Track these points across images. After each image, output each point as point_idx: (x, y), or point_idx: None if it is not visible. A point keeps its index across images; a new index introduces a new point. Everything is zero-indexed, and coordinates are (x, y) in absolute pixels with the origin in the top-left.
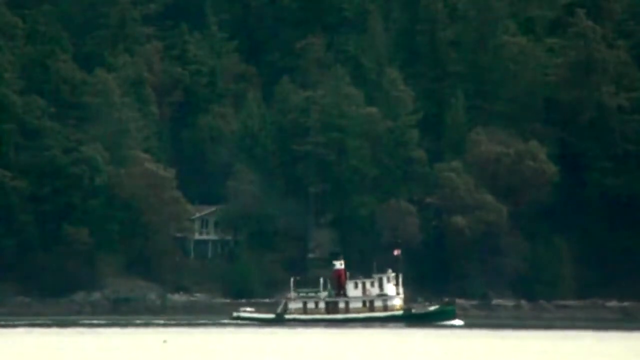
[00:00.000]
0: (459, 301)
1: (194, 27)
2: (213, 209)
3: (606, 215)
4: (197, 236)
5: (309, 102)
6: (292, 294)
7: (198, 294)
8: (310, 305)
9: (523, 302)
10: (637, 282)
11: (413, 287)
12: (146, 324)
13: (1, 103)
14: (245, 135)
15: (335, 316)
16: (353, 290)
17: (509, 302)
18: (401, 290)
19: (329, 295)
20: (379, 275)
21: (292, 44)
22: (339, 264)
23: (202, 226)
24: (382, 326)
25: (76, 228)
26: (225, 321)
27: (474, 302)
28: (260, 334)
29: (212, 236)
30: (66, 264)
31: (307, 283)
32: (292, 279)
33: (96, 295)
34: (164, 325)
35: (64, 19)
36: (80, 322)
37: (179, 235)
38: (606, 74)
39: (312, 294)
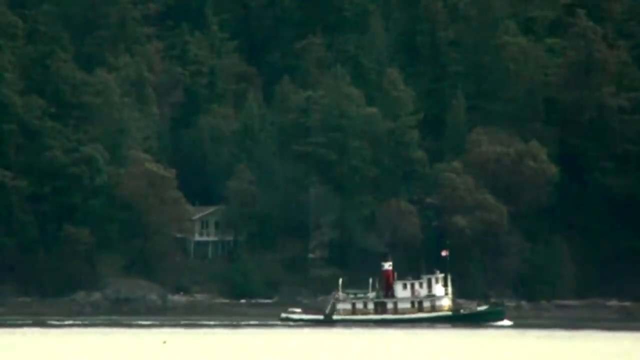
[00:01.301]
0: (459, 301)
1: (195, 27)
2: (213, 209)
3: (606, 215)
4: (197, 236)
5: (309, 102)
6: (341, 295)
7: (198, 294)
8: (359, 306)
9: (523, 302)
10: (637, 282)
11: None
12: (164, 325)
13: (1, 103)
14: (246, 136)
15: (383, 317)
16: (401, 291)
17: (509, 302)
18: (449, 290)
19: (377, 296)
20: (427, 276)
21: (292, 44)
22: (387, 265)
23: (202, 226)
24: (431, 327)
25: (76, 228)
26: (274, 322)
27: (474, 302)
28: (310, 335)
29: (213, 236)
30: (66, 264)
31: (354, 283)
32: (340, 280)
33: (96, 296)
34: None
35: (64, 19)
36: (81, 322)
37: (179, 235)
38: (606, 74)
39: (361, 295)
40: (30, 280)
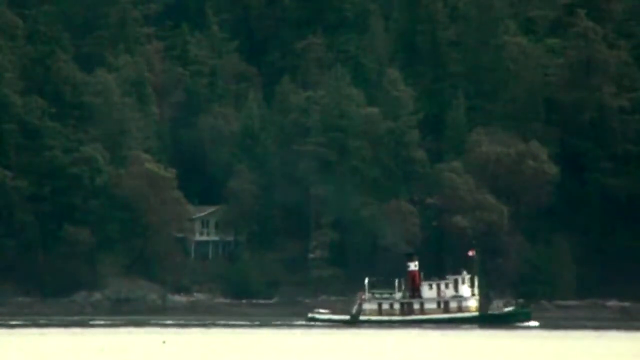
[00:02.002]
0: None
1: (195, 27)
2: (213, 209)
3: (606, 215)
4: (197, 236)
5: (309, 102)
6: (367, 295)
7: (198, 294)
8: (385, 306)
9: (523, 302)
10: (637, 282)
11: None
12: (163, 325)
13: (2, 103)
14: (246, 136)
15: (410, 317)
16: (428, 291)
17: (509, 303)
18: (476, 291)
19: (404, 297)
20: (453, 277)
21: (292, 44)
22: (414, 265)
23: (202, 226)
24: (458, 327)
25: (77, 228)
26: (300, 322)
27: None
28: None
29: (213, 236)
30: (67, 264)
31: (381, 284)
32: (366, 280)
33: (97, 296)
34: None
35: (64, 19)
36: (81, 322)
37: (179, 235)
38: (607, 75)
39: (387, 295)
40: (30, 280)
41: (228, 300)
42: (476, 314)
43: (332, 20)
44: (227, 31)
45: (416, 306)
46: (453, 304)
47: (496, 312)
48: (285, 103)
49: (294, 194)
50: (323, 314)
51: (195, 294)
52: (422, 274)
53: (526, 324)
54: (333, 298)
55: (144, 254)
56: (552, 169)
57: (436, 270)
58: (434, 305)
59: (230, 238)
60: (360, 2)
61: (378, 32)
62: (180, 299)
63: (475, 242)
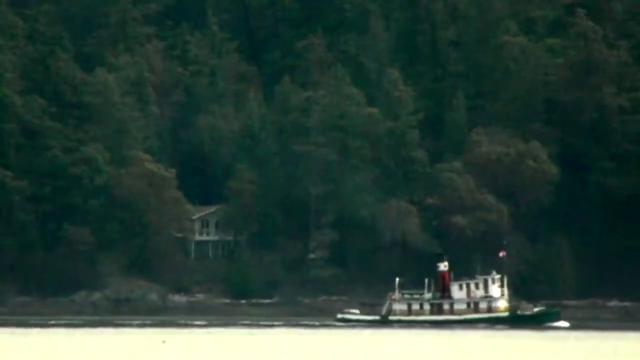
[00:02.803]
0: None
1: (195, 27)
2: (213, 209)
3: (606, 215)
4: (197, 236)
5: (309, 102)
6: (397, 296)
7: (199, 294)
8: (415, 306)
9: (523, 302)
10: (637, 282)
11: (414, 288)
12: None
13: (2, 103)
14: (246, 135)
15: (439, 317)
16: (458, 291)
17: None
18: (506, 291)
19: (434, 297)
20: (483, 277)
21: (292, 43)
22: (443, 266)
23: (202, 226)
24: (488, 327)
25: (77, 228)
26: (330, 322)
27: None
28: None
29: (213, 236)
30: (67, 264)
31: (410, 284)
32: (396, 280)
33: (97, 296)
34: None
35: (64, 18)
36: (81, 322)
37: (179, 235)
38: (607, 75)
39: (417, 296)
40: (30, 280)
41: (228, 300)
42: (506, 314)
43: (332, 20)
44: (227, 31)
45: (446, 306)
46: (483, 305)
47: (526, 312)
48: (285, 103)
49: (294, 194)
50: (353, 314)
51: (195, 294)
52: (451, 274)
53: (556, 324)
54: (333, 298)
55: (144, 254)
56: (552, 169)
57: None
58: (463, 306)
59: (230, 238)
60: (360, 2)
61: (378, 32)
62: (180, 299)
63: (473, 242)
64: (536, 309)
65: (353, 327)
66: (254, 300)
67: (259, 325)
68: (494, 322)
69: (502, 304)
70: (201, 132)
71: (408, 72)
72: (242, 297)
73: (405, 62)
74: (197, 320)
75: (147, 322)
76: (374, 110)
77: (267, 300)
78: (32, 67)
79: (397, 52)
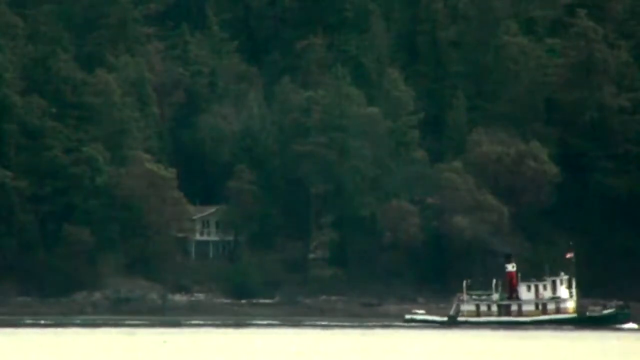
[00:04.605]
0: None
1: (195, 27)
2: (214, 209)
3: (607, 215)
4: (198, 236)
5: (309, 102)
6: (465, 297)
7: (199, 294)
8: (483, 307)
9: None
10: (637, 282)
11: (414, 288)
12: (189, 325)
13: (2, 103)
14: (246, 136)
15: (507, 319)
16: (526, 292)
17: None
18: (574, 292)
19: (501, 298)
20: (551, 278)
21: (293, 44)
22: (511, 267)
23: (203, 226)
24: (556, 329)
25: (77, 228)
26: (398, 323)
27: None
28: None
29: (213, 236)
30: (67, 264)
31: (478, 285)
32: (464, 282)
33: (97, 295)
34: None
35: (64, 19)
36: (81, 322)
37: (179, 235)
38: (607, 75)
39: (485, 297)
40: (30, 280)
41: (228, 300)
42: (574, 315)
43: (332, 20)
44: (227, 31)
45: (514, 307)
46: (551, 306)
47: (595, 313)
48: (286, 103)
49: (294, 194)
50: (420, 315)
51: (195, 294)
52: (519, 275)
53: (625, 325)
54: (333, 298)
55: (144, 254)
56: (553, 169)
57: (439, 270)
58: (531, 307)
59: (231, 238)
60: (360, 2)
61: (378, 32)
62: (180, 299)
63: (473, 242)
64: (606, 311)
65: (420, 328)
66: (254, 300)
67: (308, 326)
68: (562, 324)
69: (571, 305)
70: (201, 132)
71: (408, 72)
72: (243, 297)
73: (405, 62)
74: (197, 320)
75: (147, 322)
76: (374, 110)
77: (268, 300)
78: (32, 67)
79: (397, 52)
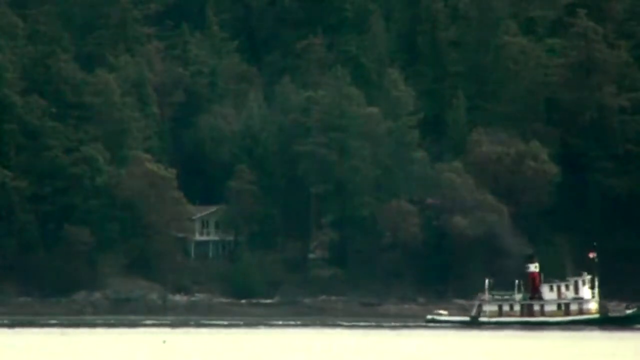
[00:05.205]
0: (459, 301)
1: (195, 27)
2: (214, 209)
3: (607, 215)
4: (197, 236)
5: (309, 102)
6: (487, 297)
7: (199, 294)
8: (505, 308)
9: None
10: (637, 282)
11: (414, 288)
12: (189, 325)
13: (2, 103)
14: (246, 136)
15: (530, 319)
16: (548, 293)
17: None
18: (597, 293)
19: (524, 298)
20: (574, 279)
21: (293, 44)
22: (534, 267)
23: (202, 226)
24: (579, 329)
25: (77, 228)
26: (419, 324)
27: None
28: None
29: (213, 236)
30: (67, 264)
31: (500, 285)
32: (486, 281)
33: (97, 295)
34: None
35: (65, 19)
36: (81, 322)
37: (179, 235)
38: (607, 75)
39: (507, 297)
40: (30, 280)
41: (228, 300)
42: (597, 316)
43: (332, 20)
44: (227, 31)
45: (536, 308)
46: (574, 306)
47: (618, 314)
48: (286, 103)
49: (294, 194)
50: (442, 316)
51: (195, 294)
52: (542, 275)
53: None
54: (333, 298)
55: (144, 254)
56: (553, 169)
57: (439, 270)
58: (554, 307)
59: (231, 238)
60: (360, 2)
61: (378, 32)
62: (180, 299)
63: (473, 242)
64: (628, 311)
65: (443, 328)
66: (254, 300)
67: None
68: (585, 324)
69: (593, 306)
70: (201, 132)
71: (408, 72)
72: (243, 297)
73: (405, 62)
74: (197, 320)
75: (147, 322)
76: (374, 110)
77: (268, 300)
78: (32, 67)
79: (397, 52)
